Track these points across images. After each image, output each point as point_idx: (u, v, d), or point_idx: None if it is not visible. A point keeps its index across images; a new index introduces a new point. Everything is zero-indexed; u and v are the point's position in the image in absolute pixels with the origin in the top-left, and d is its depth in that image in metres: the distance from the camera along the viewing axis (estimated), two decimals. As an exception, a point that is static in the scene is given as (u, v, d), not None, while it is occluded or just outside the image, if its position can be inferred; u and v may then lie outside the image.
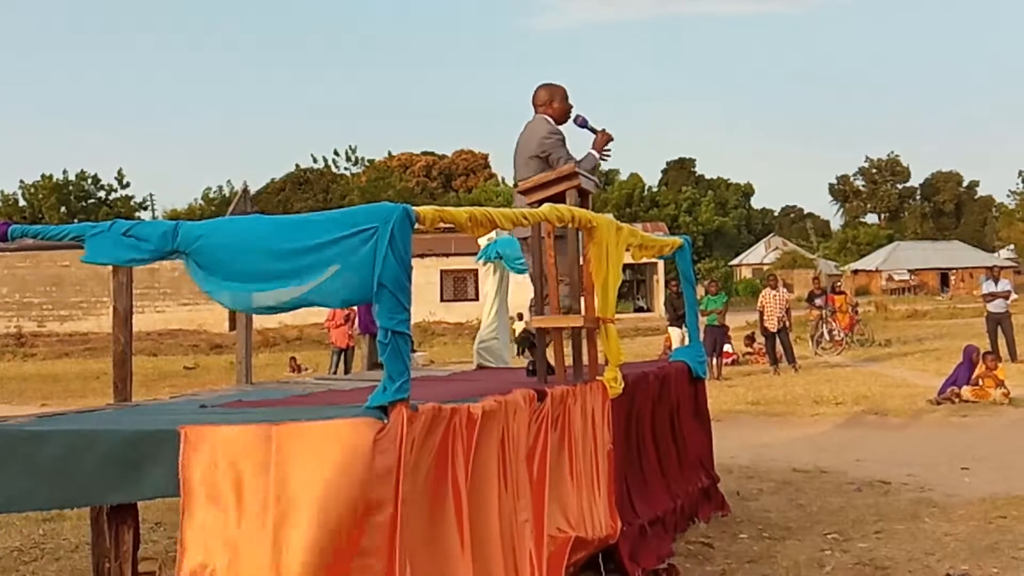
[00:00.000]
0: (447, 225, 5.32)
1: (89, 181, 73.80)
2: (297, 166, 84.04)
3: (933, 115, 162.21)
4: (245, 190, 10.52)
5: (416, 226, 4.75)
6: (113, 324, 7.24)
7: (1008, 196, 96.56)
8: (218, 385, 20.11)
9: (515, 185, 7.89)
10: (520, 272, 9.52)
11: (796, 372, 21.66)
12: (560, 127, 7.89)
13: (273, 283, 4.74)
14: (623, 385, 7.12)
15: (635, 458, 7.70)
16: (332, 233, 4.65)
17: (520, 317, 23.64)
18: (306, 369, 25.95)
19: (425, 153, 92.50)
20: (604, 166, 8.70)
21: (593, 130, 7.99)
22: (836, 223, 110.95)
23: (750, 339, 25.43)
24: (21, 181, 73.25)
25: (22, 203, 71.61)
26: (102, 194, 74.11)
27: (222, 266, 4.83)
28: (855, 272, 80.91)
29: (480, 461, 5.20)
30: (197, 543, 4.39)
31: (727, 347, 23.27)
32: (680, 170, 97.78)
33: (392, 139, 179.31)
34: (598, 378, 6.93)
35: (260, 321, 34.95)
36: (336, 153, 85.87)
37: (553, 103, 7.93)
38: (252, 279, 4.78)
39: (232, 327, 41.36)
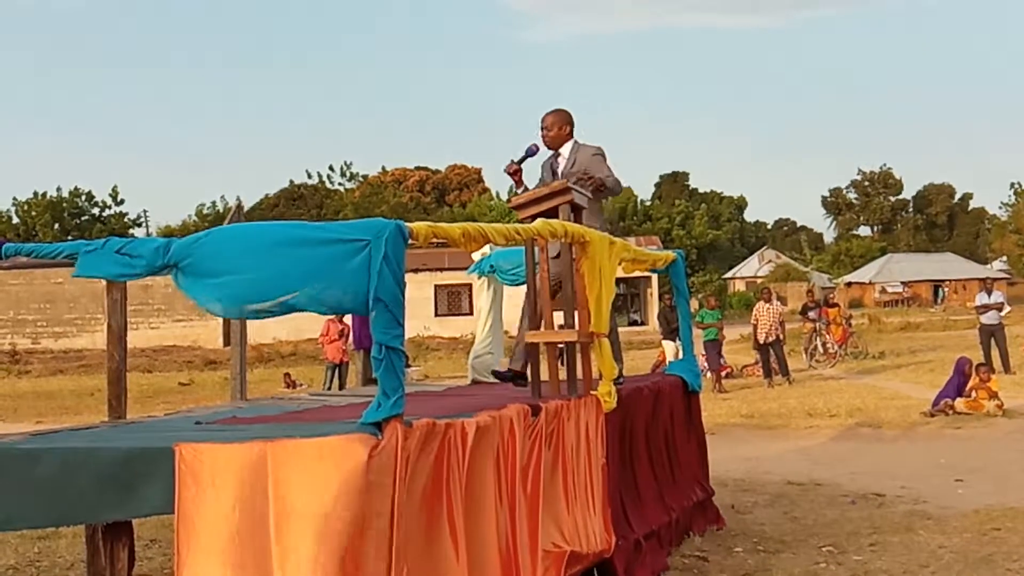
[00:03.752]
0: (441, 240, 5.34)
1: (83, 198, 73.59)
2: (291, 181, 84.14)
3: (925, 128, 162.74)
4: (239, 206, 10.53)
5: (410, 241, 4.77)
6: (107, 341, 7.23)
7: (1000, 208, 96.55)
8: (213, 401, 20.08)
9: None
10: (513, 284, 9.54)
11: (790, 385, 21.66)
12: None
13: (263, 282, 4.73)
14: (617, 399, 7.14)
15: (630, 472, 7.71)
16: (324, 238, 4.67)
17: None
18: (300, 385, 25.92)
19: (419, 168, 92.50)
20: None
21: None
22: (829, 236, 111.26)
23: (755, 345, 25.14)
24: (14, 198, 73.02)
25: (15, 220, 71.40)
26: (96, 211, 73.87)
27: (212, 269, 4.83)
28: (848, 284, 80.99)
29: (475, 476, 5.21)
30: (194, 561, 4.39)
31: (721, 360, 23.26)
32: (673, 184, 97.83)
33: (386, 154, 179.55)
34: (592, 392, 6.94)
35: (255, 337, 34.92)
36: (331, 168, 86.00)
37: None
38: (241, 278, 4.77)
39: (226, 343, 41.35)
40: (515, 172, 7.94)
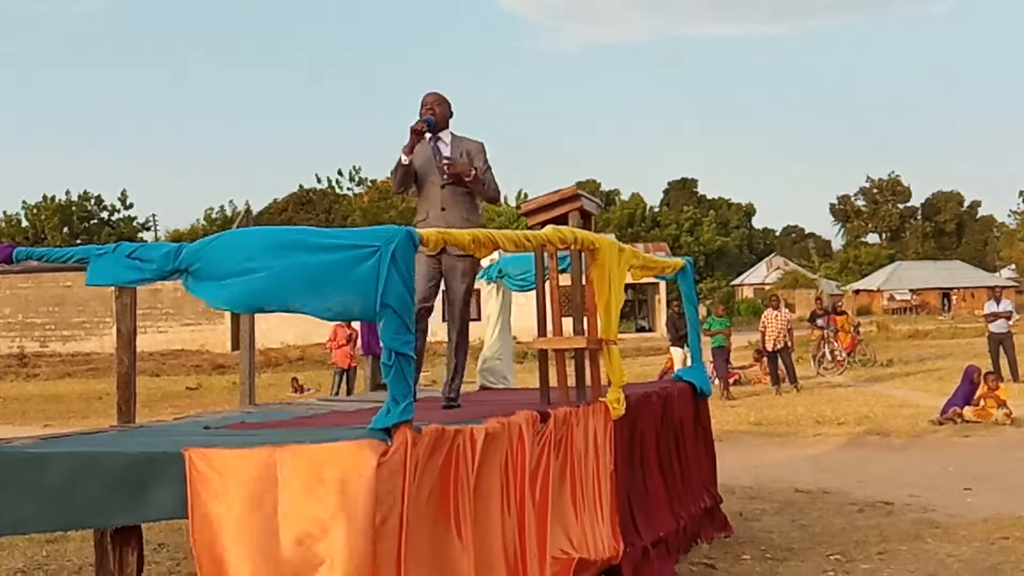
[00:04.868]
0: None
1: (92, 202, 73.83)
2: (301, 186, 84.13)
3: (934, 135, 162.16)
4: (248, 210, 10.54)
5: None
6: (117, 346, 7.25)
7: (1009, 216, 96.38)
8: (220, 405, 20.12)
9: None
10: (521, 290, 9.55)
11: (798, 392, 21.63)
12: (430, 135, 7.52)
13: (273, 280, 4.74)
14: (626, 406, 7.14)
15: (638, 479, 7.71)
16: (334, 244, 4.68)
17: None
18: (308, 389, 25.94)
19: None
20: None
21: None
22: (837, 243, 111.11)
23: (759, 354, 25.18)
24: (24, 201, 73.18)
25: (25, 224, 71.62)
26: (105, 215, 74.10)
27: (222, 271, 4.85)
28: (857, 292, 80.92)
29: (483, 483, 5.22)
30: (215, 566, 4.39)
31: (729, 367, 23.24)
32: (682, 190, 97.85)
33: (395, 160, 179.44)
34: (601, 399, 6.94)
35: (262, 341, 34.96)
36: (340, 173, 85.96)
37: None
38: (251, 278, 4.77)
39: (235, 347, 41.38)
40: (422, 132, 7.38)
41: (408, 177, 7.45)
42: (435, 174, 7.40)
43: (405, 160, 7.37)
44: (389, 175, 7.62)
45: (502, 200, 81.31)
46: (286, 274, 4.70)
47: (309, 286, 4.68)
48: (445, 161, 7.31)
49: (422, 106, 7.51)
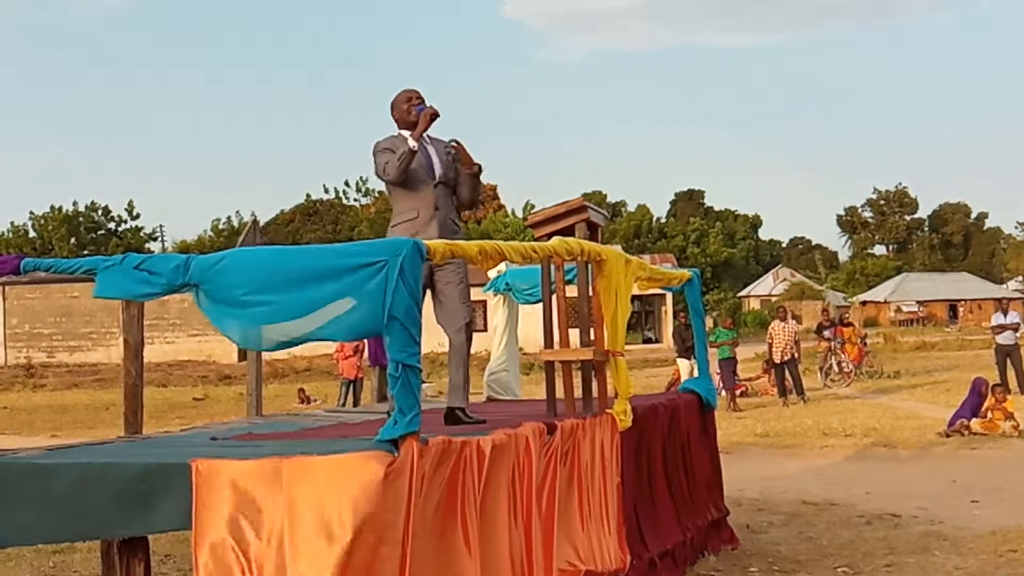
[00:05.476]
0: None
1: (99, 212, 74.04)
2: (308, 196, 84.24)
3: (941, 146, 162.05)
4: (254, 221, 10.57)
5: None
6: (124, 356, 7.27)
7: (1016, 228, 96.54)
8: (227, 416, 20.11)
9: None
10: (528, 303, 9.55)
11: (805, 404, 21.59)
12: (403, 131, 7.11)
13: (282, 315, 4.77)
14: (632, 418, 7.13)
15: (645, 490, 7.70)
16: (342, 266, 4.69)
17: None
18: (315, 400, 25.96)
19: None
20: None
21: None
22: (844, 254, 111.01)
23: (768, 365, 25.06)
24: (31, 212, 73.47)
25: (32, 234, 71.84)
26: (112, 225, 74.34)
27: (232, 298, 4.87)
28: (863, 303, 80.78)
29: (490, 495, 5.21)
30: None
31: (736, 378, 23.19)
32: (688, 201, 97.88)
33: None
34: (607, 411, 6.94)
35: (269, 351, 34.97)
36: (347, 184, 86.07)
37: (393, 114, 7.31)
38: (262, 311, 4.81)
39: (241, 358, 41.40)
40: (437, 116, 7.07)
41: (409, 167, 6.99)
42: (425, 173, 7.04)
43: (415, 146, 6.96)
44: (387, 164, 7.04)
45: (510, 212, 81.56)
46: (297, 304, 4.73)
47: (321, 311, 4.71)
48: (453, 145, 7.03)
49: (405, 100, 7.20)
